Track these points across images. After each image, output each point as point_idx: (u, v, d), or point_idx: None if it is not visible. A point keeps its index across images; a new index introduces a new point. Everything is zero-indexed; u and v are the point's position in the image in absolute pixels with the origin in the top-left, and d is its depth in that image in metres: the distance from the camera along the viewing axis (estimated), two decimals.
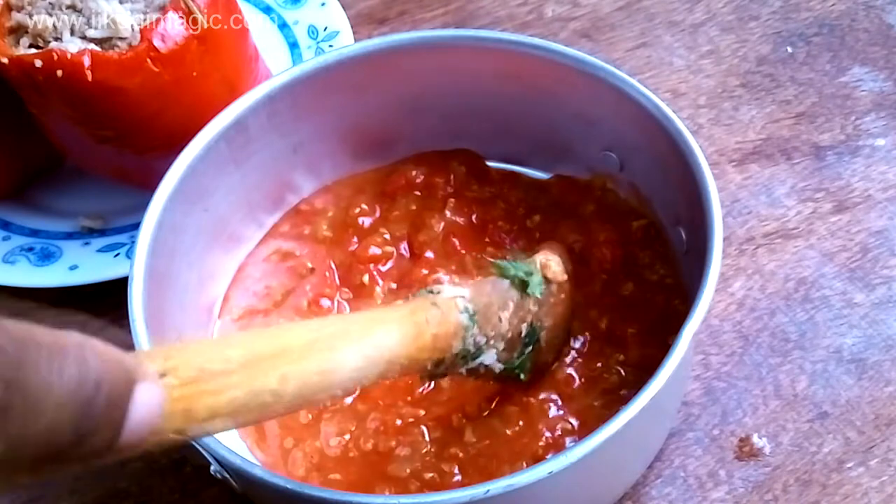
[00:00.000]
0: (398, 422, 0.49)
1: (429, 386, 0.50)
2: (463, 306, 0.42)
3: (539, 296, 0.46)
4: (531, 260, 0.47)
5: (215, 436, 0.41)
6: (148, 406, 0.28)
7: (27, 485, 0.26)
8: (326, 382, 0.35)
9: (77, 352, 0.25)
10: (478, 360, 0.43)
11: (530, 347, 0.46)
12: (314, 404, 0.39)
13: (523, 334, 0.45)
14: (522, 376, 0.47)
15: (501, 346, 0.44)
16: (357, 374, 0.37)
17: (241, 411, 0.32)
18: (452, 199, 0.56)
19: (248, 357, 0.33)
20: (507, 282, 0.45)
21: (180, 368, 0.30)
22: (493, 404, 0.48)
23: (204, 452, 0.41)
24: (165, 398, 0.29)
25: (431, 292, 0.42)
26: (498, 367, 0.45)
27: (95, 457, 0.27)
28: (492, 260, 0.47)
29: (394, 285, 0.54)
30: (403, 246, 0.55)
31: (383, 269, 0.54)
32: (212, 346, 0.33)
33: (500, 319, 0.44)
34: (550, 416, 0.47)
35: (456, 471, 0.46)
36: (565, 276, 0.48)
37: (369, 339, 0.38)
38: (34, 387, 0.24)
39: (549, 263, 0.47)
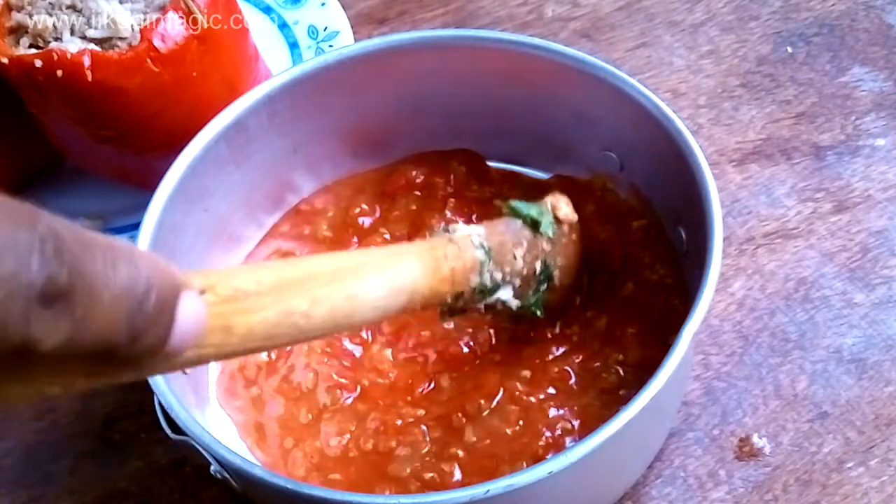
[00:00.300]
0: (398, 422, 0.49)
1: (429, 385, 0.50)
2: (478, 242, 0.44)
3: (551, 235, 0.47)
4: (542, 202, 0.48)
5: (215, 436, 0.41)
6: (192, 315, 0.29)
7: (82, 390, 0.28)
8: (354, 308, 0.37)
9: (129, 253, 0.26)
10: (495, 296, 0.45)
11: (545, 285, 0.48)
12: (342, 329, 0.41)
13: (537, 272, 0.47)
14: (539, 313, 0.48)
15: (518, 282, 0.46)
16: (382, 302, 0.38)
17: (274, 331, 0.33)
18: (452, 199, 0.56)
19: (279, 280, 0.34)
20: (519, 221, 0.47)
21: (218, 287, 0.31)
22: (494, 403, 0.48)
23: (204, 452, 0.41)
24: (207, 312, 0.30)
25: (448, 231, 0.44)
26: (514, 303, 0.46)
27: (145, 358, 0.27)
28: (503, 201, 0.48)
29: None
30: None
31: None
32: (245, 271, 0.34)
33: (514, 257, 0.45)
34: (550, 416, 0.47)
35: (456, 471, 0.46)
36: (576, 217, 0.49)
37: (393, 270, 0.39)
38: (93, 277, 0.25)
39: (560, 204, 0.48)
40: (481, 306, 0.45)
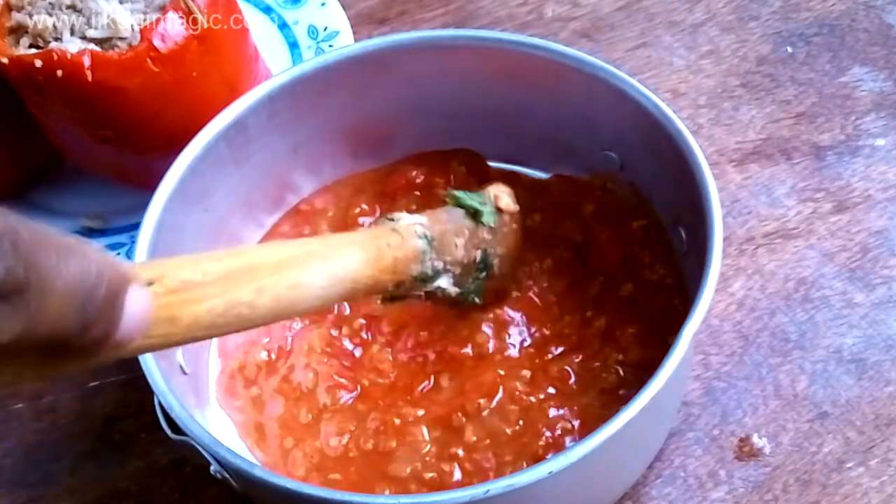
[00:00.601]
0: (398, 421, 0.49)
1: (429, 385, 0.50)
2: (421, 232, 0.45)
3: (492, 225, 0.49)
4: (484, 192, 0.50)
5: (215, 436, 0.41)
6: (139, 307, 0.30)
7: (31, 381, 0.29)
8: (296, 297, 0.38)
9: (79, 248, 0.28)
10: (435, 284, 0.46)
11: (484, 273, 0.49)
12: (285, 317, 0.43)
13: (477, 260, 0.48)
14: (477, 300, 0.50)
15: (457, 270, 0.47)
16: (325, 291, 0.40)
17: (219, 321, 0.35)
18: None
19: (224, 271, 0.35)
20: (461, 211, 0.48)
21: (165, 278, 0.33)
22: (494, 403, 0.48)
23: (204, 452, 0.41)
24: (153, 303, 0.31)
25: (392, 220, 0.45)
26: (454, 290, 0.48)
27: (94, 349, 0.29)
28: (447, 191, 0.49)
29: None
30: None
31: None
32: (191, 261, 0.35)
33: (455, 246, 0.47)
34: (550, 416, 0.47)
35: (456, 471, 0.46)
36: (517, 207, 0.50)
37: (337, 259, 0.41)
38: (45, 271, 0.26)
39: (501, 195, 0.50)
40: (421, 293, 0.47)
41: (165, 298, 0.32)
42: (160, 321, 0.32)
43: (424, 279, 0.46)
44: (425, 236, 0.45)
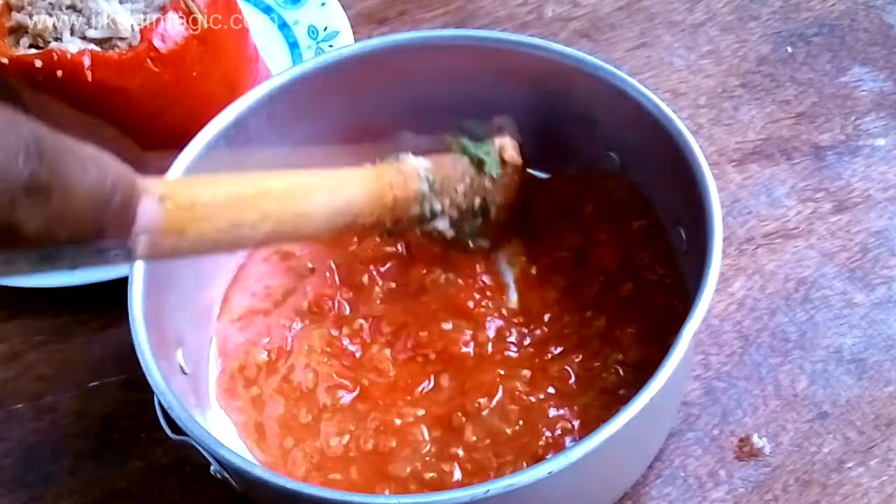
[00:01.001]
0: (398, 421, 0.49)
1: (429, 385, 0.50)
2: (424, 175, 0.47)
3: (495, 175, 0.50)
4: (490, 141, 0.51)
5: (215, 436, 0.41)
6: (151, 217, 0.33)
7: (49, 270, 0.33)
8: (298, 224, 0.41)
9: (96, 157, 0.31)
10: (432, 225, 0.49)
11: (481, 220, 0.51)
12: (285, 242, 0.46)
13: (476, 207, 0.50)
14: (471, 244, 0.52)
15: (455, 214, 0.49)
16: (325, 222, 0.43)
17: (223, 238, 0.37)
18: None
19: (233, 195, 0.38)
20: (466, 159, 0.50)
21: (177, 196, 0.35)
22: (494, 403, 0.48)
23: (204, 452, 0.41)
24: (163, 216, 0.34)
25: (397, 159, 0.47)
26: (450, 233, 0.49)
27: (112, 251, 0.32)
28: (452, 138, 0.50)
29: (393, 285, 0.54)
30: (403, 246, 0.55)
31: (382, 269, 0.54)
32: (204, 183, 0.38)
33: (456, 191, 0.49)
34: (550, 416, 0.47)
35: (456, 470, 0.46)
36: (520, 160, 0.51)
37: (340, 193, 0.43)
38: (67, 175, 0.29)
39: (507, 147, 0.51)
40: (418, 231, 0.49)
41: (176, 213, 0.35)
42: (169, 232, 0.35)
43: (423, 220, 0.48)
44: (427, 179, 0.47)
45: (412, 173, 0.47)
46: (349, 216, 0.44)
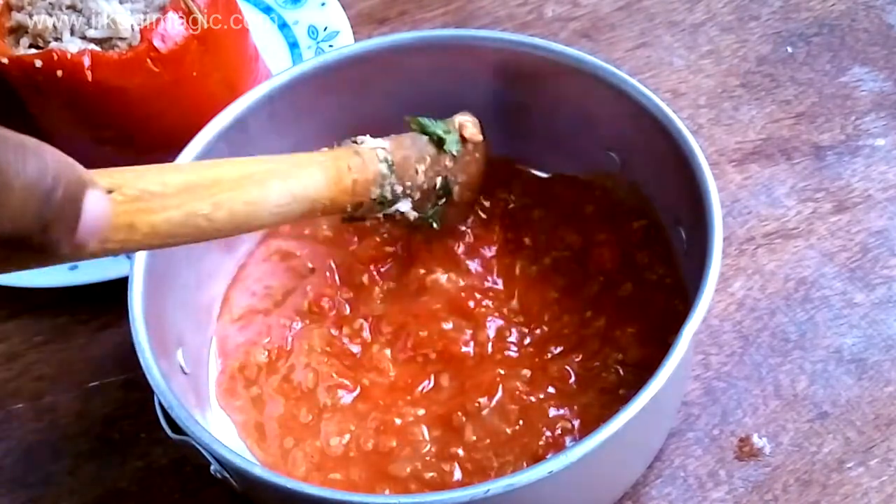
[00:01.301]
0: (398, 421, 0.49)
1: (429, 385, 0.50)
2: (383, 157, 0.46)
3: (455, 153, 0.49)
4: (450, 120, 0.50)
5: (215, 436, 0.41)
6: (98, 211, 0.31)
7: None
8: (254, 213, 0.40)
9: (37, 149, 0.29)
10: (394, 207, 0.48)
11: (443, 200, 0.50)
12: (242, 231, 0.43)
13: (437, 187, 0.49)
14: (435, 225, 0.51)
15: (417, 195, 0.48)
16: (282, 209, 0.41)
17: (177, 231, 0.36)
18: None
19: (184, 184, 0.36)
20: (425, 138, 0.49)
21: (125, 187, 0.34)
22: (494, 403, 0.48)
23: (204, 452, 0.41)
24: (112, 209, 0.33)
25: (355, 142, 0.46)
26: (413, 214, 0.49)
27: (53, 248, 0.30)
28: (411, 117, 0.50)
29: (393, 285, 0.54)
30: (403, 246, 0.55)
31: (383, 269, 0.54)
32: (152, 172, 0.36)
33: (416, 172, 0.48)
34: (550, 415, 0.47)
35: (456, 470, 0.46)
36: (481, 137, 0.51)
37: (296, 178, 0.42)
38: (5, 168, 0.28)
39: (467, 124, 0.50)
40: (380, 215, 0.48)
41: (124, 206, 0.33)
42: (118, 227, 0.33)
43: (383, 202, 0.47)
44: (386, 160, 0.46)
45: (371, 155, 0.46)
46: (307, 202, 0.42)
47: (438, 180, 0.49)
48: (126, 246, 0.34)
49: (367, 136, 0.47)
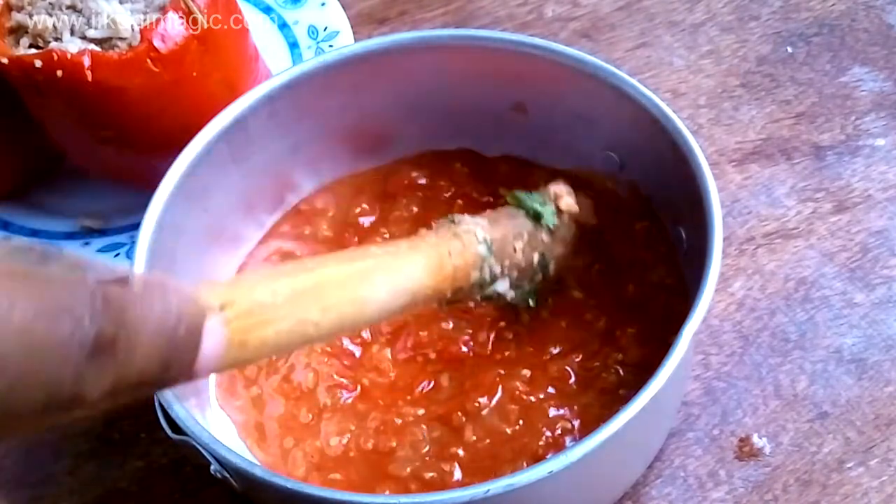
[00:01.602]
0: (398, 421, 0.49)
1: (429, 384, 0.50)
2: (482, 237, 0.44)
3: (552, 226, 0.48)
4: (544, 191, 0.49)
5: (215, 436, 0.41)
6: (215, 338, 0.30)
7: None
8: (360, 312, 0.38)
9: (160, 289, 0.28)
10: (492, 288, 0.45)
11: (541, 276, 0.48)
12: (346, 332, 0.42)
13: (535, 263, 0.47)
14: (532, 303, 0.49)
15: (515, 274, 0.46)
16: (387, 305, 0.39)
17: (283, 341, 0.34)
18: (453, 199, 0.56)
19: (294, 291, 0.35)
20: (521, 212, 0.47)
21: (237, 302, 0.32)
22: (494, 403, 0.48)
23: (204, 452, 0.41)
24: (227, 332, 0.31)
25: (453, 222, 0.44)
26: (510, 294, 0.47)
27: (170, 385, 0.30)
28: (507, 191, 0.48)
29: None
30: None
31: None
32: (262, 281, 0.35)
33: (514, 249, 0.46)
34: (550, 415, 0.47)
35: (456, 470, 0.46)
36: (577, 208, 0.49)
37: (398, 271, 0.40)
38: (133, 324, 0.26)
39: (562, 195, 0.49)
40: (478, 297, 0.46)
41: (237, 323, 0.32)
42: (231, 346, 0.32)
43: (482, 284, 0.45)
44: (485, 241, 0.44)
45: (470, 237, 0.44)
46: (410, 294, 0.40)
47: (536, 256, 0.47)
48: (234, 363, 0.33)
49: (465, 216, 0.45)
